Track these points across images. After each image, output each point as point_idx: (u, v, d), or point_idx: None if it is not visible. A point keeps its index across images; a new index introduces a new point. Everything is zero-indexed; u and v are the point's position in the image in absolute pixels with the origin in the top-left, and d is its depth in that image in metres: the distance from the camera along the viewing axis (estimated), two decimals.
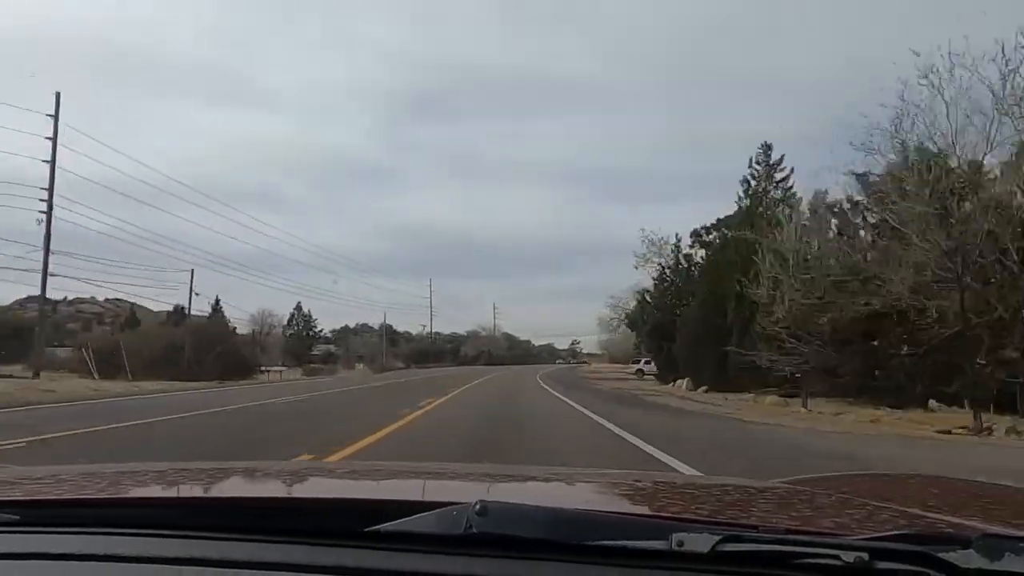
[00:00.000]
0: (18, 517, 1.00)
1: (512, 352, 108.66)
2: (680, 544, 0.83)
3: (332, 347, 78.77)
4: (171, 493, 1.30)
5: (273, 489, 1.36)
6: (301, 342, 74.90)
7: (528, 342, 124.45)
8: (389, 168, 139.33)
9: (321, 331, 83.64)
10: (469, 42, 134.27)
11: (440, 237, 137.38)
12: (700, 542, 0.83)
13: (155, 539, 0.94)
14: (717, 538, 0.83)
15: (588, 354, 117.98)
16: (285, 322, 76.33)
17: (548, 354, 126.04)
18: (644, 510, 1.23)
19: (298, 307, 79.41)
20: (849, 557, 0.79)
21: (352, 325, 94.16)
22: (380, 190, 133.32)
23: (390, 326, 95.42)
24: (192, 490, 1.32)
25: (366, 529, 0.90)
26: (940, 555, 0.79)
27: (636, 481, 1.67)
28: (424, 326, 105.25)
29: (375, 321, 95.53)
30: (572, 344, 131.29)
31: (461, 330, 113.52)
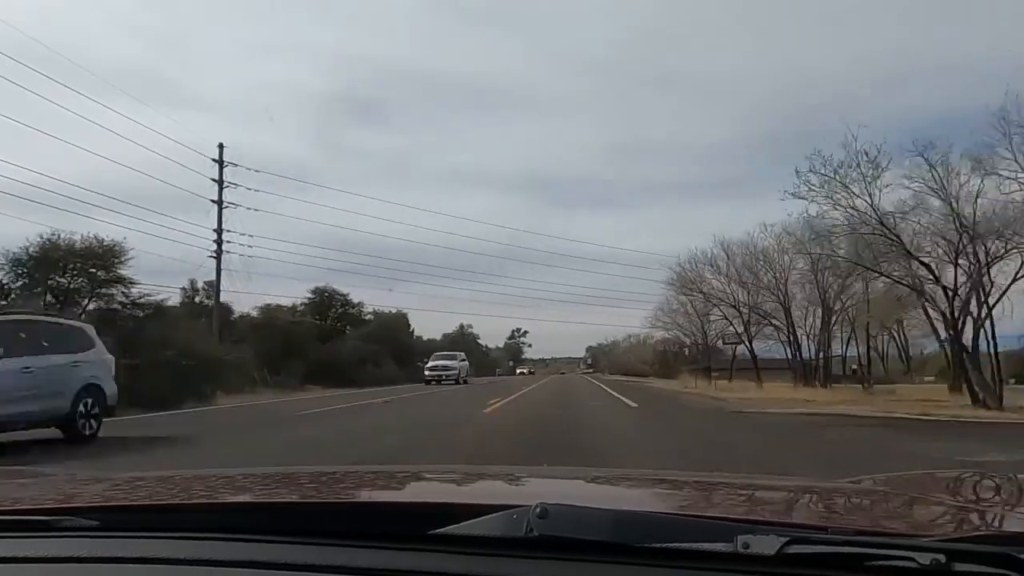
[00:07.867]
0: (98, 522, 1.02)
1: (390, 350, 44.35)
2: (745, 546, 0.81)
3: None
4: (239, 498, 1.33)
5: (337, 493, 1.37)
6: None
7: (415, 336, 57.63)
8: (316, 172, 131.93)
9: None
10: (406, 46, 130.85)
11: (357, 244, 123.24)
12: (766, 544, 0.81)
13: (223, 543, 0.96)
14: (784, 540, 0.81)
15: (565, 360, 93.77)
16: None
17: (485, 356, 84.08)
18: (707, 511, 1.19)
19: None
20: (925, 559, 0.76)
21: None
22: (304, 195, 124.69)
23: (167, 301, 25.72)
24: (259, 495, 1.34)
25: (429, 532, 0.91)
26: (1023, 556, 0.76)
27: (698, 481, 1.65)
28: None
29: None
30: (514, 335, 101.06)
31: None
